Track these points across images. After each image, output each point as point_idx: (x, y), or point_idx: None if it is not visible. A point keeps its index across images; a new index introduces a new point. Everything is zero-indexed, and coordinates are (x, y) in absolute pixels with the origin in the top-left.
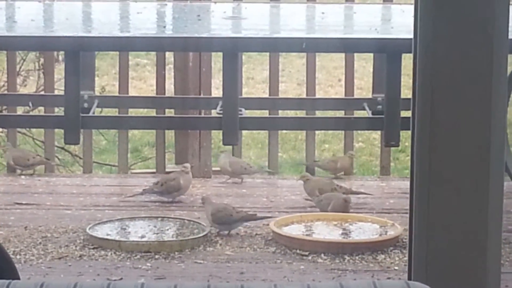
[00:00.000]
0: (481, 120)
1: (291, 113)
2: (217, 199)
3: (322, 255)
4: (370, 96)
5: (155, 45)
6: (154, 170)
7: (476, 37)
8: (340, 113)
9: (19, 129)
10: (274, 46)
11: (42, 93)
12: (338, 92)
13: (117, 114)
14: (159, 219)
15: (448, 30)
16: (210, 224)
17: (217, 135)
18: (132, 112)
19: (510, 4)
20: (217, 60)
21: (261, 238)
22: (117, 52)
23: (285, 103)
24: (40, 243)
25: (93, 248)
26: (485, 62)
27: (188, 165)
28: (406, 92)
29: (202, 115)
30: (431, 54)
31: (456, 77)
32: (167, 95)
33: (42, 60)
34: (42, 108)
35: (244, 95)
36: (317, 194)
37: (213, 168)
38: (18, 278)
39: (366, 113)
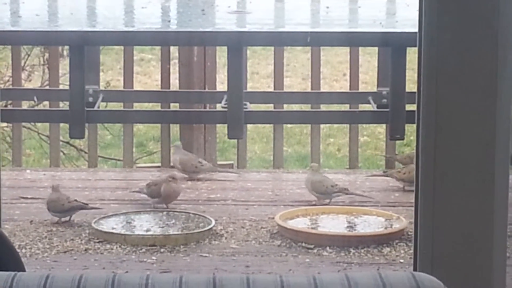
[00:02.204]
0: (486, 113)
1: (296, 107)
2: (222, 193)
3: (328, 248)
4: (375, 90)
5: (159, 39)
6: (159, 164)
7: (481, 30)
8: (345, 107)
9: (24, 124)
10: (279, 40)
11: (47, 87)
12: (343, 86)
13: (122, 108)
14: (164, 212)
15: (453, 24)
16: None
17: (222, 129)
18: (137, 106)
19: None
20: (221, 55)
21: (266, 231)
22: (122, 47)
23: (290, 97)
24: (45, 237)
25: (99, 242)
26: (490, 55)
27: (175, 174)
28: (411, 86)
29: (207, 109)
30: (436, 47)
31: (461, 71)
32: (172, 89)
33: (47, 55)
34: (47, 102)
35: (249, 90)
36: (309, 187)
37: (218, 162)
38: (24, 271)
39: (371, 107)
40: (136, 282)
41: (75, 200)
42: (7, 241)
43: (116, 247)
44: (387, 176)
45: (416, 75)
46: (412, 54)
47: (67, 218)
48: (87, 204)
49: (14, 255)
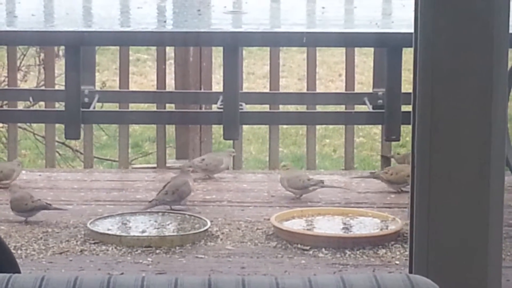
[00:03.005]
0: (481, 114)
1: (291, 108)
2: (218, 194)
3: (323, 249)
4: (370, 90)
5: (155, 40)
6: (155, 165)
7: (477, 31)
8: (341, 108)
9: (19, 124)
10: (275, 41)
11: (43, 88)
12: (338, 87)
13: (117, 109)
14: (160, 213)
15: (449, 24)
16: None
17: (217, 130)
18: (133, 107)
19: None
20: (217, 55)
21: (262, 232)
22: (118, 48)
23: (286, 98)
24: (41, 238)
25: (94, 243)
26: (486, 56)
27: (187, 162)
28: (406, 86)
29: (203, 110)
30: (432, 48)
31: (456, 72)
32: (167, 90)
33: (42, 55)
34: (42, 103)
35: (244, 90)
36: (285, 185)
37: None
38: (19, 272)
39: (366, 108)
40: (131, 284)
41: (39, 200)
42: (2, 243)
43: (112, 248)
44: (374, 178)
45: (411, 75)
46: (408, 55)
47: (32, 218)
48: (50, 205)
49: (9, 256)
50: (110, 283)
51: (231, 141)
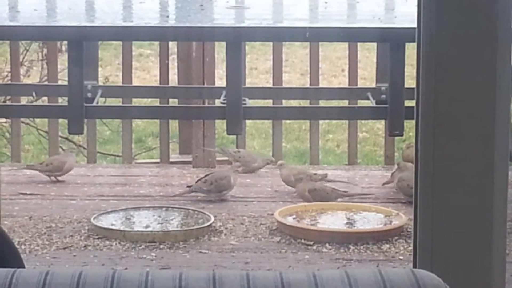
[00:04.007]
0: (485, 109)
1: (294, 103)
2: None
3: (327, 244)
4: (373, 86)
5: (158, 34)
6: (158, 160)
7: (480, 26)
8: (344, 103)
9: (22, 119)
10: (278, 36)
11: (46, 83)
12: (341, 82)
13: (121, 104)
14: (164, 209)
15: (452, 19)
16: None
17: (220, 125)
18: (136, 102)
19: None
20: (220, 51)
21: (265, 228)
22: (120, 43)
23: (289, 93)
24: (44, 233)
25: (98, 238)
26: (489, 51)
27: (237, 164)
28: (409, 82)
29: (206, 104)
30: (435, 43)
31: (460, 66)
32: (170, 85)
33: (45, 50)
34: (45, 98)
35: (247, 85)
36: (292, 180)
37: (217, 158)
38: (24, 267)
39: (370, 103)
40: (136, 279)
41: None
42: (7, 238)
43: (116, 244)
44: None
45: (414, 70)
46: (410, 50)
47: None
48: None
49: (14, 251)
50: (114, 278)
51: (234, 136)
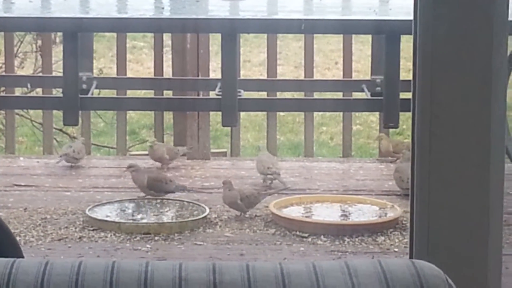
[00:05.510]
0: (481, 101)
1: (289, 96)
2: (216, 181)
3: (322, 237)
4: (368, 78)
5: (153, 26)
6: None
7: (476, 18)
8: (338, 95)
9: (17, 111)
10: (273, 28)
11: (40, 74)
12: (335, 75)
13: (115, 95)
14: (159, 200)
15: (448, 11)
16: None
17: (215, 117)
18: (130, 94)
19: None
20: (214, 42)
21: (260, 219)
22: (114, 35)
23: (284, 85)
24: (39, 224)
25: (93, 230)
26: (485, 43)
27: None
28: (404, 74)
29: (201, 96)
30: (431, 35)
31: (456, 59)
32: (165, 77)
33: (39, 41)
34: (40, 89)
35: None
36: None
37: (212, 150)
38: (23, 257)
39: (364, 95)
40: (135, 269)
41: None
42: (6, 227)
43: (111, 235)
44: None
45: (409, 63)
46: (405, 42)
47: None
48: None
49: (13, 241)
50: (114, 268)
51: (229, 128)
